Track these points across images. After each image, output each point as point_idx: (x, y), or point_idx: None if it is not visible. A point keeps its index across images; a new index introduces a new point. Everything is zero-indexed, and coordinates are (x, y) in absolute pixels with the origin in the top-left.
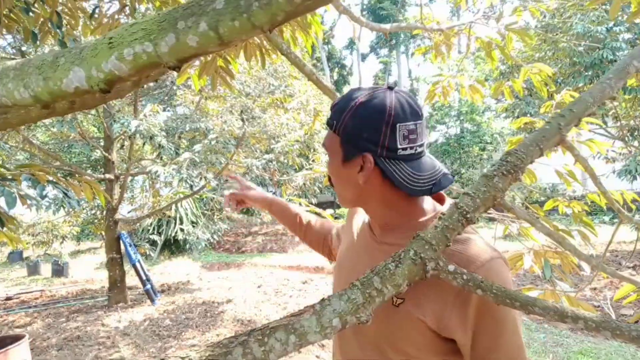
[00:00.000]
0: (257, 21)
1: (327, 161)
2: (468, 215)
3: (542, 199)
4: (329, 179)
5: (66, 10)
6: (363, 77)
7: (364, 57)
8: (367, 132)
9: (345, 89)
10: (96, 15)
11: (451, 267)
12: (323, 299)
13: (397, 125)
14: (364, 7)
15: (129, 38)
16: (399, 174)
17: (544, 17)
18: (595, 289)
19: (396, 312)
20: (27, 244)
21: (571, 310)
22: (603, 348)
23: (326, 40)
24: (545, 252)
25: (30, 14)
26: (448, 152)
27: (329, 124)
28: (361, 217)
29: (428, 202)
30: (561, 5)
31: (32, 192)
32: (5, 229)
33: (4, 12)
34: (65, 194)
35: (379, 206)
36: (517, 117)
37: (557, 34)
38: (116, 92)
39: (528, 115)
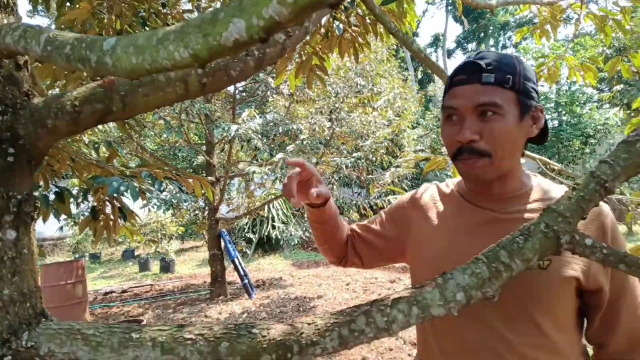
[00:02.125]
0: None
1: (488, 124)
2: (607, 185)
3: None
4: (477, 151)
5: (175, 22)
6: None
7: (449, 53)
8: (535, 85)
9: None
10: None
11: (588, 241)
12: (445, 273)
13: None
14: (450, 0)
15: None
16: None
17: None
18: None
19: (544, 274)
20: (138, 242)
21: None
22: None
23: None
24: None
25: (147, 27)
26: (545, 147)
27: (498, 81)
28: (425, 205)
29: None
30: None
31: (151, 189)
32: (127, 223)
33: (124, 27)
34: (180, 189)
35: (517, 172)
36: (627, 104)
37: None
38: (241, 75)
39: None
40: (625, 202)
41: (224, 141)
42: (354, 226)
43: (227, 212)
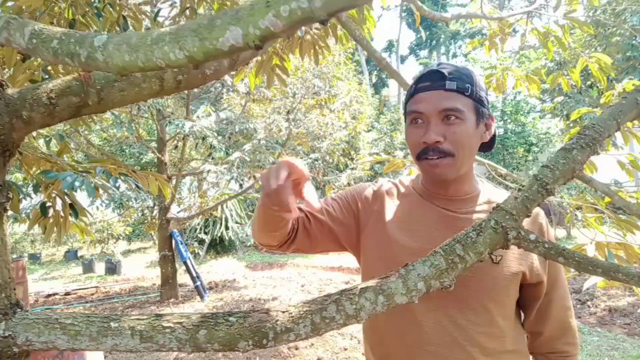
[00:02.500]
0: None
1: (450, 127)
2: (548, 187)
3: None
4: (441, 151)
5: (131, 14)
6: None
7: (403, 59)
8: (487, 95)
9: (384, 92)
10: (159, 19)
11: (532, 237)
12: (407, 264)
13: None
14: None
15: None
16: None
17: (595, 12)
18: None
19: (496, 268)
20: (82, 243)
21: None
22: None
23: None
24: (608, 244)
25: (101, 18)
26: (492, 154)
27: (460, 89)
28: (384, 198)
29: None
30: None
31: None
32: (78, 220)
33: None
34: (137, 186)
35: (470, 177)
36: (567, 115)
37: (608, 29)
38: (216, 74)
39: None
40: (564, 207)
41: (176, 138)
42: (305, 207)
43: (179, 212)
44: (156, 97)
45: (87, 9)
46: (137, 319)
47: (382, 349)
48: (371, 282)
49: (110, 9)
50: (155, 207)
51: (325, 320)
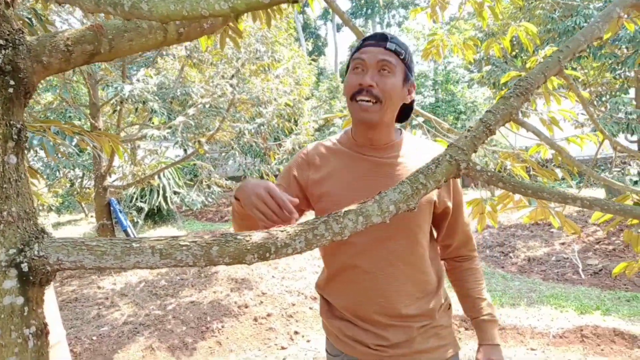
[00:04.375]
0: None
1: (381, 77)
2: (491, 127)
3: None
4: (372, 95)
5: None
6: (339, 47)
7: (339, 27)
8: (413, 68)
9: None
10: None
11: (478, 167)
12: (380, 192)
13: None
14: None
15: None
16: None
17: None
18: (564, 243)
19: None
20: None
21: (571, 194)
22: (572, 292)
23: (300, 10)
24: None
25: None
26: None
27: (397, 51)
28: (311, 165)
29: None
30: None
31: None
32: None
33: None
34: (95, 147)
35: (392, 128)
36: (494, 83)
37: (531, 3)
38: (211, 28)
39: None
40: (493, 159)
41: (112, 103)
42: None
43: (114, 181)
44: (159, 47)
45: None
46: (156, 240)
47: (341, 279)
48: (353, 206)
49: None
50: (86, 177)
51: (317, 237)
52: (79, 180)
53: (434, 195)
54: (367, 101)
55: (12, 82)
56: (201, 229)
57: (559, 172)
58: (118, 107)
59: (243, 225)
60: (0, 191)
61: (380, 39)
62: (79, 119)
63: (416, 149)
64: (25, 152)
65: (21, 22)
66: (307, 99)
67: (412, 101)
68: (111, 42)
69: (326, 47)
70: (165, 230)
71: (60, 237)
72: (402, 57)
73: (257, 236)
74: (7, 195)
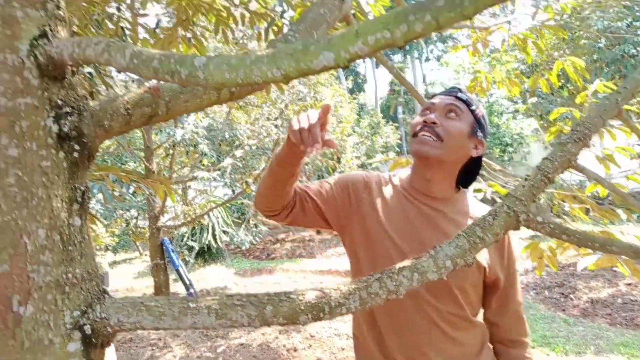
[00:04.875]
0: (466, 12)
1: (447, 122)
2: (549, 176)
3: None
4: (434, 132)
5: (129, 26)
6: (378, 83)
7: (377, 64)
8: (486, 128)
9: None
10: (157, 31)
11: (539, 218)
12: (435, 246)
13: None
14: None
15: (371, 28)
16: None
17: (562, 16)
18: (630, 284)
19: None
20: None
21: None
22: None
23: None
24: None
25: (101, 30)
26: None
27: (467, 101)
28: (375, 190)
29: None
30: (579, 4)
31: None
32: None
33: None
34: (150, 193)
35: (451, 180)
36: (540, 115)
37: (575, 33)
38: (261, 85)
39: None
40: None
41: (165, 146)
42: (302, 186)
43: (167, 221)
44: (212, 106)
45: (86, 22)
46: (212, 299)
47: (372, 332)
48: (406, 263)
49: (108, 22)
50: (140, 217)
51: (371, 295)
52: (134, 220)
53: (484, 259)
54: (429, 136)
55: (77, 147)
56: (248, 267)
57: (621, 212)
58: (171, 151)
59: (269, 181)
60: (66, 254)
61: (453, 90)
62: (134, 162)
63: (475, 210)
64: (87, 212)
65: (82, 76)
66: (349, 135)
67: (480, 161)
68: (168, 104)
69: (366, 83)
70: (214, 268)
71: (120, 298)
72: (472, 108)
73: (310, 296)
74: (71, 258)
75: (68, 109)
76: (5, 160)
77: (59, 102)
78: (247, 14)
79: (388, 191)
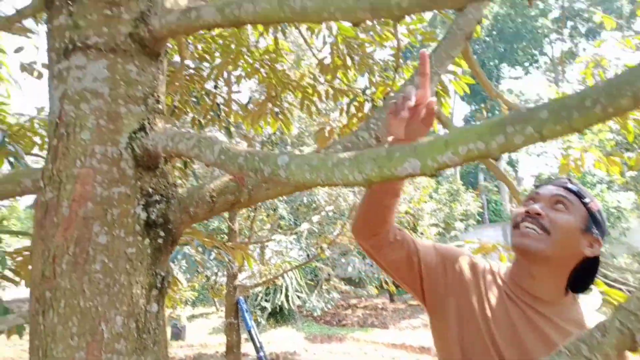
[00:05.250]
0: (575, 125)
1: (556, 215)
2: None
3: None
4: (539, 223)
5: (223, 101)
6: None
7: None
8: (603, 225)
9: None
10: (250, 106)
11: None
12: None
13: None
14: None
15: (462, 139)
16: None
17: None
18: None
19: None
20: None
21: None
22: None
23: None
24: None
25: (198, 106)
26: None
27: (579, 193)
28: (475, 272)
29: None
30: None
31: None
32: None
33: (175, 104)
34: (228, 259)
35: (560, 281)
36: None
37: None
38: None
39: None
40: None
41: (248, 208)
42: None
43: (244, 279)
44: (291, 193)
45: (186, 97)
46: None
47: None
48: None
49: (206, 98)
50: (219, 274)
51: None
52: (214, 276)
53: None
54: (532, 228)
55: (162, 234)
56: (319, 332)
57: None
58: (252, 213)
59: (370, 193)
60: (139, 342)
61: (563, 182)
62: (218, 221)
63: (591, 321)
64: (165, 297)
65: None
66: (426, 202)
67: (596, 262)
68: (250, 192)
69: None
70: (285, 331)
71: None
72: (584, 201)
73: None
74: (144, 346)
75: (157, 197)
76: (94, 247)
77: (150, 190)
78: (332, 91)
79: (491, 283)
